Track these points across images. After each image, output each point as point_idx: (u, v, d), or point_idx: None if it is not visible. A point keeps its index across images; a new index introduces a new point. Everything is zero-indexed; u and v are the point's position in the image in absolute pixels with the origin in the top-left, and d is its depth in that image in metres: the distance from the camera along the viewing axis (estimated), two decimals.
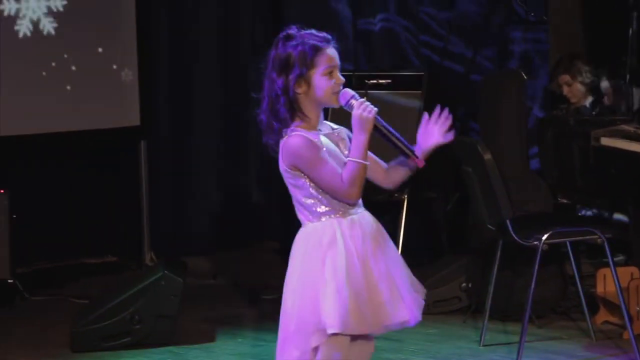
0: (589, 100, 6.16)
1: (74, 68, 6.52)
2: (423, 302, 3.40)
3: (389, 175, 3.43)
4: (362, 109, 3.25)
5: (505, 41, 6.94)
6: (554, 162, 5.96)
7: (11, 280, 6.05)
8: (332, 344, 3.26)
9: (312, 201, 3.30)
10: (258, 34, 7.00)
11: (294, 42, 3.28)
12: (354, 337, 3.31)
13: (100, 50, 6.60)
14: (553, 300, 5.56)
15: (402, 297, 3.31)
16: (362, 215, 3.33)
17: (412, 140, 5.81)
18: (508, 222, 4.80)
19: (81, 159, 6.75)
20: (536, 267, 4.80)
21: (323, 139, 3.30)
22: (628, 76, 5.82)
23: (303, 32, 3.31)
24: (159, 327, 5.20)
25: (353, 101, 3.27)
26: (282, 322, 3.31)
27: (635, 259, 5.58)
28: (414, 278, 3.43)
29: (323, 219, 3.30)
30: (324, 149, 3.27)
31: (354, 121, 3.26)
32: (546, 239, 4.79)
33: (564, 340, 5.22)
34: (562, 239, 4.93)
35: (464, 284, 5.73)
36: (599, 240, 4.83)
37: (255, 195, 7.16)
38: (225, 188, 7.07)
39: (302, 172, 3.27)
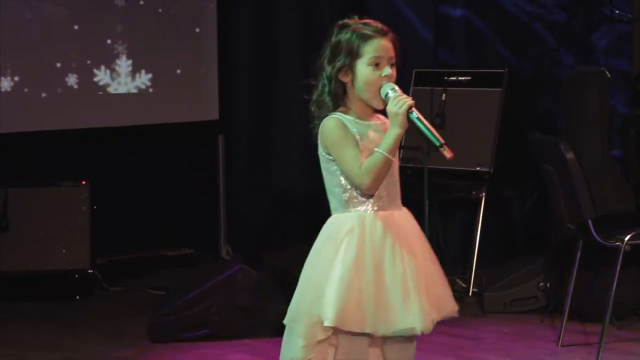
0: None
1: (155, 62, 6.60)
2: (436, 318, 3.21)
3: None
4: (394, 104, 3.14)
5: (588, 37, 6.84)
6: (637, 161, 5.87)
7: (91, 271, 6.14)
8: (348, 344, 3.16)
9: (341, 190, 3.22)
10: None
11: (346, 31, 3.22)
12: (384, 338, 3.18)
13: (181, 46, 6.67)
14: (634, 301, 5.48)
15: (414, 305, 3.13)
16: (392, 214, 3.22)
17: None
18: (589, 221, 4.74)
19: (160, 152, 6.82)
20: (618, 268, 4.73)
21: (371, 132, 3.21)
22: None
23: (359, 21, 3.25)
24: (236, 319, 5.23)
25: (390, 93, 3.17)
26: (290, 308, 3.24)
27: None
28: (444, 293, 3.26)
29: (349, 210, 3.21)
30: (361, 138, 3.17)
31: (389, 116, 3.16)
32: (629, 239, 4.72)
33: None
34: None
35: (541, 284, 5.67)
36: None
37: None
38: (303, 183, 7.08)
39: (332, 156, 3.20)
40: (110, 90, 6.47)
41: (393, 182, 3.25)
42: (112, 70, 6.46)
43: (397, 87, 3.18)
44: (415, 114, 3.14)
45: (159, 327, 5.26)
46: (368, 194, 3.20)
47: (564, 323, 5.11)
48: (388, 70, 3.19)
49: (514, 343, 5.19)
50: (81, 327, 5.57)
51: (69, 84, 6.33)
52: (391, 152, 3.14)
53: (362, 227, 3.18)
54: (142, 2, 6.52)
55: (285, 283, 6.43)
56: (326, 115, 3.22)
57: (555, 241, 5.72)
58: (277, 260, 6.71)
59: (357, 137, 3.19)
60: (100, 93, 6.44)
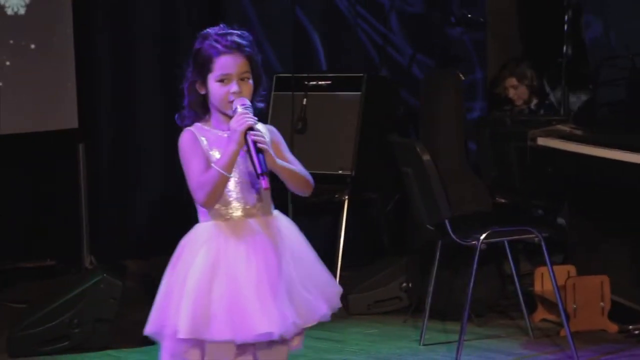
0: (533, 103, 6.25)
1: (9, 71, 6.45)
2: (302, 323, 3.20)
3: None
4: (236, 120, 3.15)
5: (443, 41, 6.98)
6: (491, 162, 6.02)
7: None
8: (213, 351, 3.16)
9: None
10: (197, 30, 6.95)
11: (206, 43, 3.23)
12: (249, 344, 3.17)
13: (36, 51, 6.53)
14: (492, 299, 5.61)
15: (271, 310, 3.14)
16: (257, 220, 3.22)
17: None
18: (447, 222, 4.84)
19: (19, 162, 6.66)
20: (475, 266, 4.84)
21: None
22: (563, 77, 5.90)
23: (220, 32, 3.24)
24: (98, 330, 5.16)
25: (238, 109, 3.17)
26: (150, 320, 3.25)
27: (572, 257, 5.65)
28: (314, 297, 3.24)
29: (212, 218, 3.22)
30: (215, 148, 3.18)
31: (230, 130, 3.17)
32: (484, 238, 4.83)
33: (503, 338, 5.26)
34: (500, 238, 4.96)
35: (404, 284, 5.76)
36: (536, 239, 4.89)
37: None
38: (165, 192, 7.02)
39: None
40: None
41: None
42: None
43: (248, 104, 3.18)
44: (251, 137, 3.12)
45: (19, 342, 5.14)
46: (199, 204, 3.18)
47: (426, 322, 5.20)
48: (235, 87, 3.19)
49: (377, 344, 5.26)
50: None
51: None
52: (226, 168, 3.14)
53: (218, 236, 3.18)
54: None
55: (149, 293, 6.38)
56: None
57: (416, 242, 5.82)
58: (141, 269, 6.65)
59: (210, 150, 3.19)
60: None
